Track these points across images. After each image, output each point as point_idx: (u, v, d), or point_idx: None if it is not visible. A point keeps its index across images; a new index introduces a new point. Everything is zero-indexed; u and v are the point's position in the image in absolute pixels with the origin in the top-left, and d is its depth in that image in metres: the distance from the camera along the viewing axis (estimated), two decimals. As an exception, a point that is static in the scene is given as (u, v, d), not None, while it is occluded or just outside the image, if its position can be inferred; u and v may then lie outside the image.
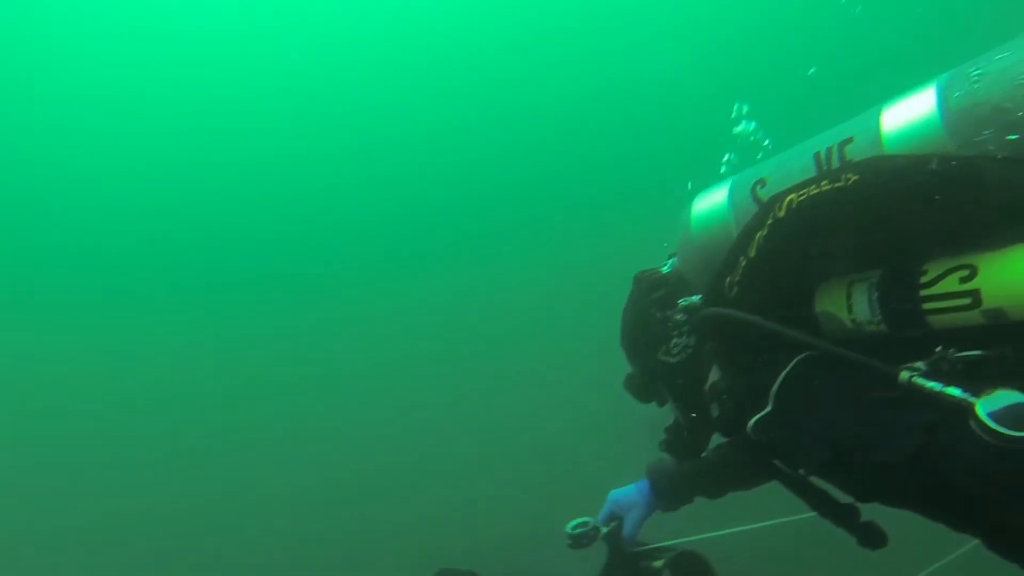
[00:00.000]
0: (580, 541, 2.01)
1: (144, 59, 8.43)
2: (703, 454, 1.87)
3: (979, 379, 1.08)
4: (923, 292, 1.17)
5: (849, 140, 1.30)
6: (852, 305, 1.26)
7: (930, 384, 1.11)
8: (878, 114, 1.27)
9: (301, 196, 8.89)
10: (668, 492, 2.00)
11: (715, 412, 1.49)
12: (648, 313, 1.74)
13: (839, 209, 1.23)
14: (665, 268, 1.78)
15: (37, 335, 7.94)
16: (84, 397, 7.64)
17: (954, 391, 1.08)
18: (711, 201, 1.55)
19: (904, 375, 1.14)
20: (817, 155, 1.34)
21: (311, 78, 8.77)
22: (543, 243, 8.35)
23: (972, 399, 1.05)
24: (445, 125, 8.81)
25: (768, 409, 1.32)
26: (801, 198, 1.27)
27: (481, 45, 8.75)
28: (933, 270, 1.17)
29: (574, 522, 2.03)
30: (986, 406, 1.03)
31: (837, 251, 1.28)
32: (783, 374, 1.30)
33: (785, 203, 1.29)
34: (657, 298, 1.73)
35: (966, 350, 1.13)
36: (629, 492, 2.05)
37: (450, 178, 8.87)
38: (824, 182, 1.25)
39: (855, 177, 1.21)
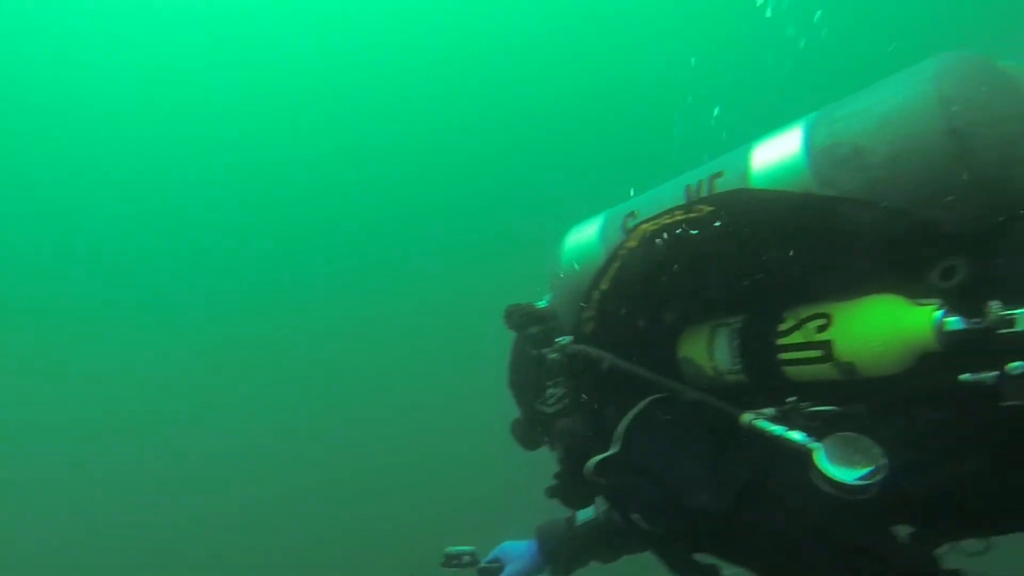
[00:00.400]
0: (451, 561, 2.00)
1: (145, 61, 8.50)
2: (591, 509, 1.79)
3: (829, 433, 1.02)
4: (779, 341, 1.11)
5: (719, 175, 1.24)
6: (714, 352, 1.20)
7: (772, 428, 1.05)
8: (749, 150, 1.22)
9: (300, 197, 8.91)
10: (556, 555, 1.91)
11: (560, 454, 1.44)
12: (525, 352, 1.65)
13: (690, 239, 1.17)
14: (541, 303, 1.69)
15: (40, 335, 8.07)
16: (84, 399, 7.74)
17: (797, 436, 1.03)
18: (582, 235, 1.48)
19: (746, 417, 1.09)
20: (688, 188, 1.28)
21: (308, 81, 8.78)
22: (542, 244, 8.26)
23: (813, 445, 1.00)
24: (445, 125, 8.76)
25: (613, 451, 1.26)
26: (654, 228, 1.22)
27: (483, 44, 8.70)
28: (792, 318, 1.11)
29: (457, 547, 2.01)
30: (827, 452, 0.98)
31: (690, 286, 1.22)
32: (631, 415, 1.25)
33: (638, 233, 1.24)
34: (532, 335, 1.64)
35: (823, 405, 1.07)
36: (519, 547, 1.99)
37: (448, 178, 8.82)
38: (678, 212, 1.20)
39: (709, 209, 1.16)
